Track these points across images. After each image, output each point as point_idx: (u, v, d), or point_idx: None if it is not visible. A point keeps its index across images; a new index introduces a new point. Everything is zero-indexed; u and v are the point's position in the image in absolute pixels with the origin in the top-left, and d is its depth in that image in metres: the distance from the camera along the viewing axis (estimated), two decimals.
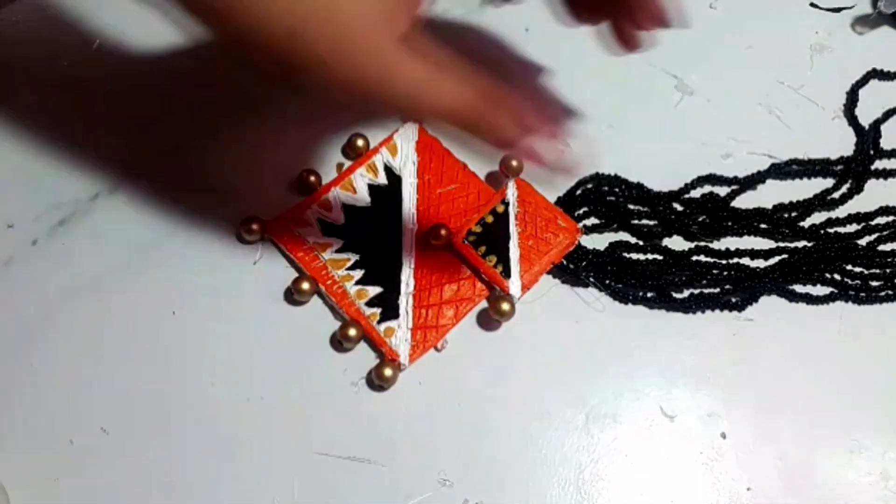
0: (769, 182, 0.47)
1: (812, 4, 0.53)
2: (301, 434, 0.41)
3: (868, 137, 0.48)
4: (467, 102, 0.33)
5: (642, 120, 0.49)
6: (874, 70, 0.51)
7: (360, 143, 0.48)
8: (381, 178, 0.47)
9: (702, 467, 0.40)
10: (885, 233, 0.46)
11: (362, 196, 0.47)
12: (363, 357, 0.43)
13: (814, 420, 0.41)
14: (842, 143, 0.48)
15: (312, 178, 0.47)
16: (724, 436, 0.41)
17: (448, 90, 0.33)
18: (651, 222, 0.46)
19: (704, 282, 0.44)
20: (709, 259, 0.45)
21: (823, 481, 0.40)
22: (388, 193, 0.47)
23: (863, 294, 0.44)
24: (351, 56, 0.31)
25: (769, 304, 0.44)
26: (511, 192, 0.46)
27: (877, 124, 0.49)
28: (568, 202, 0.46)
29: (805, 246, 0.45)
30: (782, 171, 0.47)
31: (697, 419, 0.41)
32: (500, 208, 0.46)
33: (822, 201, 0.47)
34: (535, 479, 0.40)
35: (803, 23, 0.53)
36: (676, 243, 0.46)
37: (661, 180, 0.47)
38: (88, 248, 0.45)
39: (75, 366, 0.42)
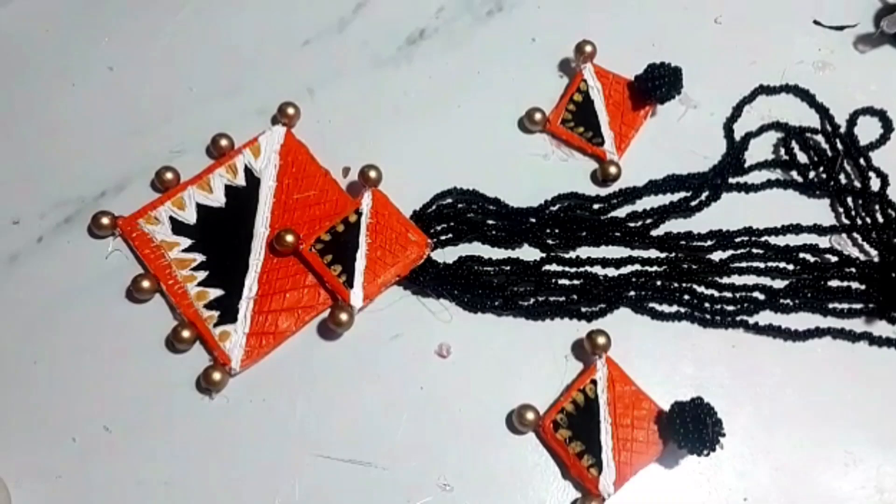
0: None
1: (815, 22, 0.54)
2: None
3: (736, 150, 0.48)
4: None
5: (644, 132, 0.50)
6: (761, 86, 0.51)
7: (223, 142, 0.47)
8: (240, 180, 0.46)
9: (699, 477, 0.40)
10: (738, 251, 0.45)
11: (217, 196, 0.46)
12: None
13: (810, 433, 0.41)
14: None
15: (169, 176, 0.46)
16: (721, 447, 0.41)
17: None
18: (504, 234, 0.45)
19: (551, 291, 0.44)
20: (557, 268, 0.45)
21: (819, 493, 0.40)
22: (244, 195, 0.46)
23: (708, 316, 0.44)
24: None
25: (766, 318, 0.44)
26: (366, 202, 0.45)
27: (747, 137, 0.49)
28: (423, 216, 0.46)
29: (657, 257, 0.45)
30: (659, 187, 0.47)
31: None
32: (353, 218, 0.45)
33: (676, 209, 0.46)
34: (535, 484, 0.40)
35: (807, 40, 0.53)
36: (532, 256, 0.45)
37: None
38: (93, 245, 0.45)
39: (78, 363, 0.42)
